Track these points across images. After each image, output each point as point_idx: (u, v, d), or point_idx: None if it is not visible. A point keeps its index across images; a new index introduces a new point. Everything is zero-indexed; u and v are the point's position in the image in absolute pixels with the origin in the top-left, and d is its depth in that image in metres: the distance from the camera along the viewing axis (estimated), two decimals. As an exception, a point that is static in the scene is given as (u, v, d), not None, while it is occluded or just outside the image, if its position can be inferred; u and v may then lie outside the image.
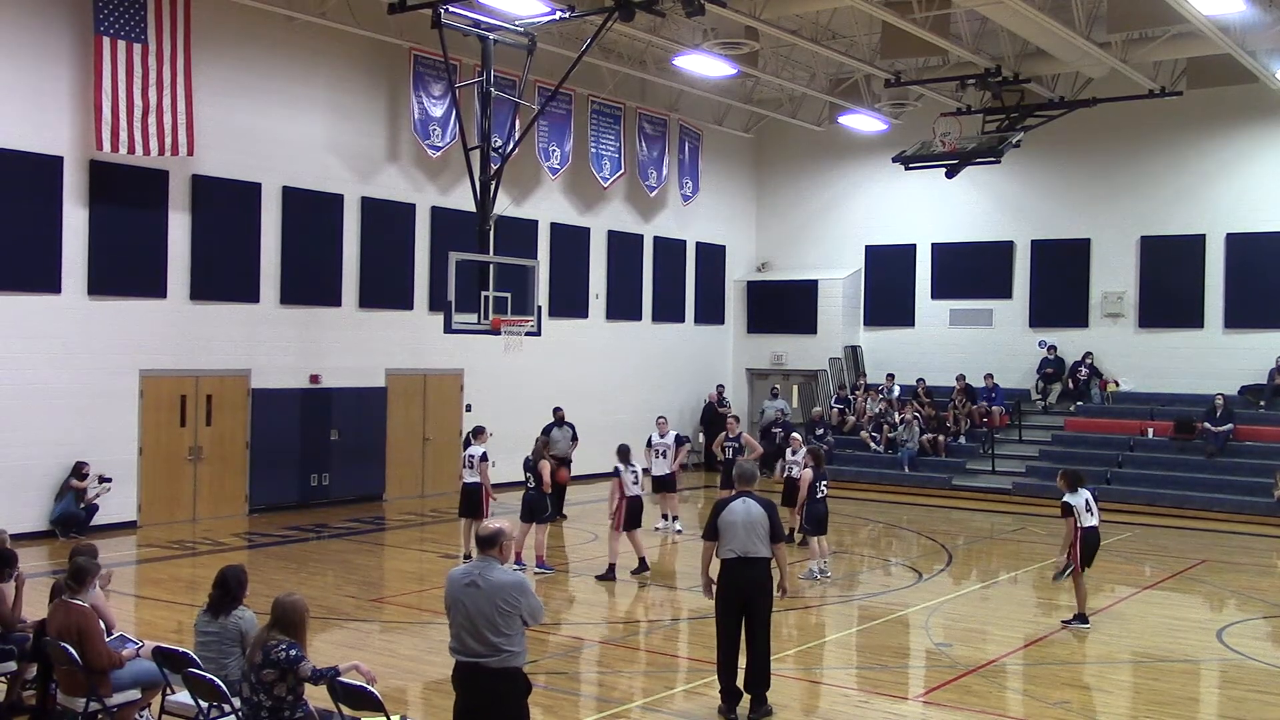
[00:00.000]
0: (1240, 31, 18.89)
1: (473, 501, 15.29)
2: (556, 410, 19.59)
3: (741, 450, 18.19)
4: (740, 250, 29.27)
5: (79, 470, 16.59)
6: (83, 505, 16.54)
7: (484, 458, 15.34)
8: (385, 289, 20.81)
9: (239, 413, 18.78)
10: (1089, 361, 24.80)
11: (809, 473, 14.73)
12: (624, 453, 14.83)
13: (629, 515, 14.53)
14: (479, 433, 15.79)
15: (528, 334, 18.87)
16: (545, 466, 15.00)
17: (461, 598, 6.67)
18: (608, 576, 14.36)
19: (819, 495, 14.67)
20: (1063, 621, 12.44)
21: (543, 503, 14.84)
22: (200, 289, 18.18)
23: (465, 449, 15.72)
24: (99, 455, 16.87)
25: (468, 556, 14.56)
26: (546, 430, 19.10)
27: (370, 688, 6.99)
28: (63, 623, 7.85)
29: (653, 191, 26.09)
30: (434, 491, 21.58)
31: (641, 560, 14.66)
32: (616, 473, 14.68)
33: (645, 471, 19.31)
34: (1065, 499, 12.32)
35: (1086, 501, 12.32)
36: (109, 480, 16.86)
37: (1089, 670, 11.02)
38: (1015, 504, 21.70)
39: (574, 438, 19.17)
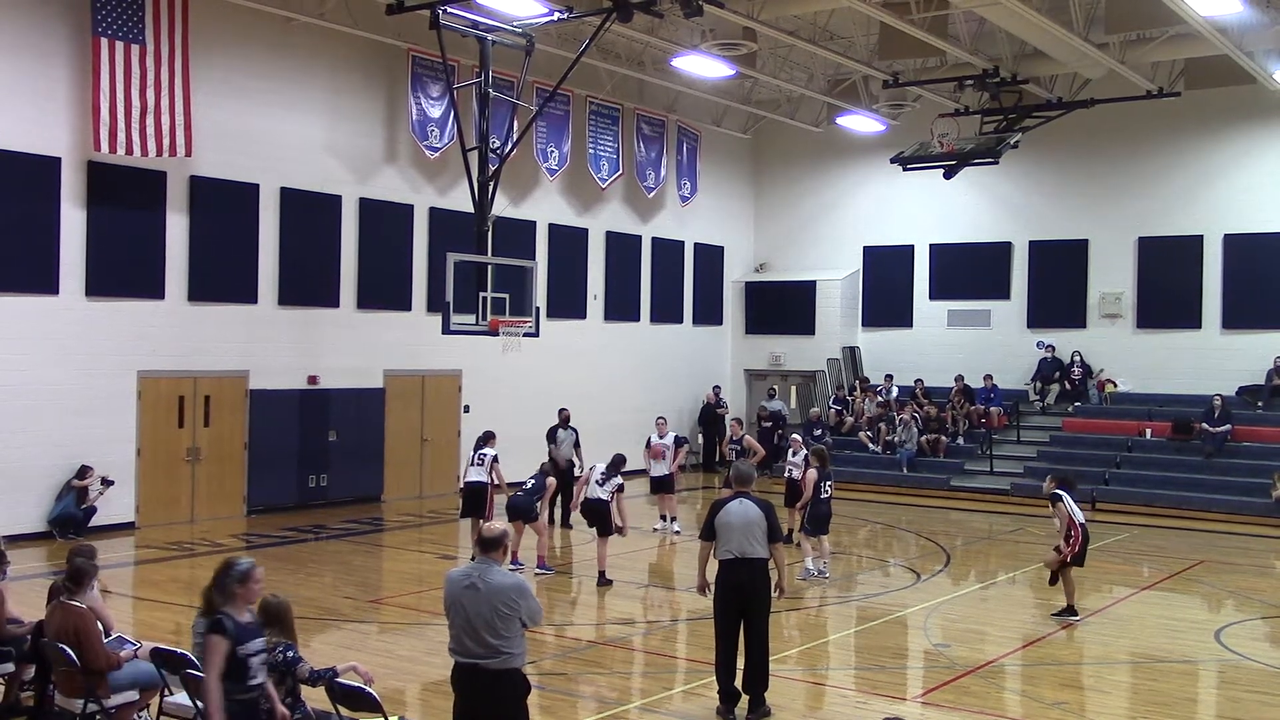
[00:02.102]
0: (1238, 32, 18.91)
1: (479, 501, 15.33)
2: (562, 411, 19.30)
3: (744, 452, 18.14)
4: (738, 251, 29.28)
5: (82, 472, 16.58)
6: (83, 506, 16.53)
7: (496, 459, 15.46)
8: (383, 290, 20.80)
9: (237, 414, 18.77)
10: (1079, 359, 24.84)
11: (813, 473, 14.71)
12: (614, 463, 14.89)
13: (587, 515, 14.65)
14: (492, 436, 15.91)
15: (526, 335, 18.88)
16: (552, 483, 15.15)
17: (461, 599, 6.66)
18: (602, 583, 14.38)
19: (823, 495, 14.65)
20: (1053, 614, 12.55)
21: (529, 503, 14.72)
22: (198, 290, 18.17)
23: (478, 449, 15.75)
24: (97, 456, 16.85)
25: (473, 557, 14.53)
26: (551, 432, 18.98)
27: (368, 688, 7.00)
28: (61, 624, 7.85)
29: (651, 192, 26.09)
30: (432, 492, 21.57)
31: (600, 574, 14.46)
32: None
33: (643, 473, 19.43)
34: (1055, 491, 12.64)
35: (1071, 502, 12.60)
36: (112, 482, 16.84)
37: (1087, 671, 11.02)
38: (1013, 505, 21.67)
39: (576, 442, 18.92)
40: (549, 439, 18.91)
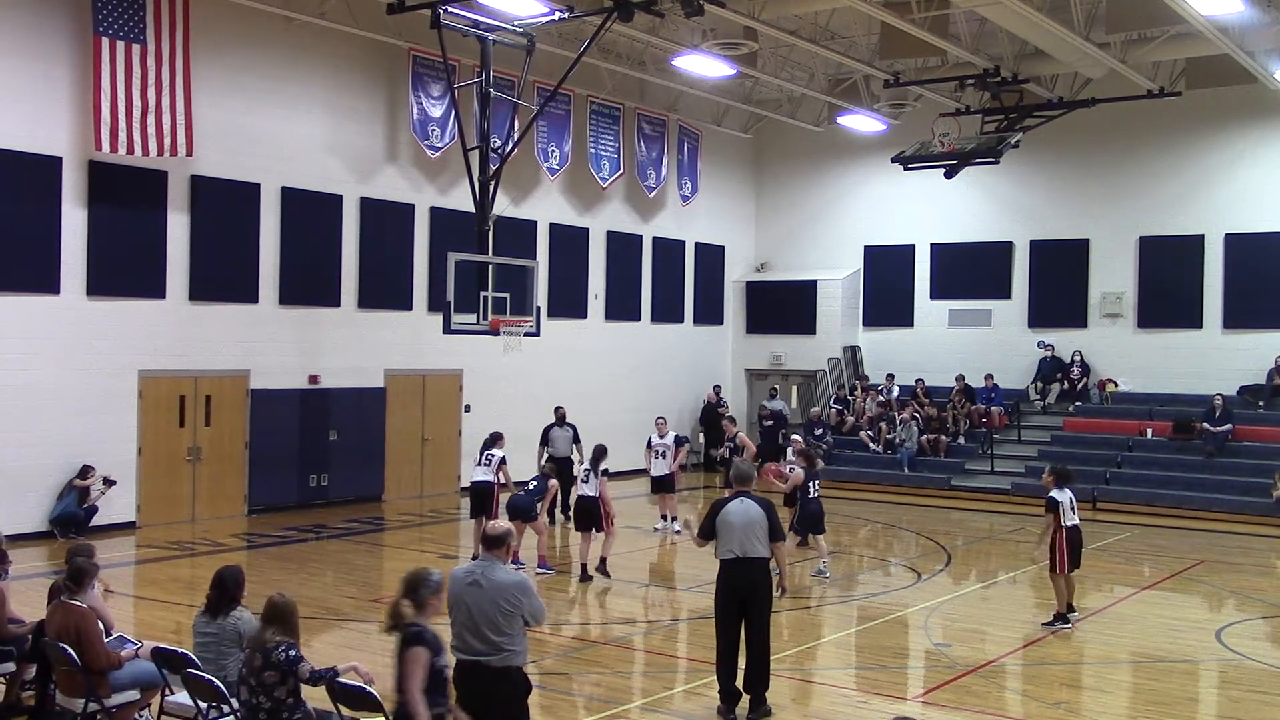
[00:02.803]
0: (1239, 32, 18.90)
1: (487, 501, 15.41)
2: (558, 410, 19.47)
3: (738, 451, 18.23)
4: (739, 250, 29.28)
5: (85, 472, 16.59)
6: (84, 506, 16.53)
7: (503, 461, 15.54)
8: (384, 289, 20.80)
9: (238, 413, 18.78)
10: (1079, 359, 24.85)
11: (800, 473, 14.81)
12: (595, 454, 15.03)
13: (578, 515, 14.76)
14: (500, 437, 16.00)
15: (527, 334, 18.89)
16: (554, 485, 15.19)
17: (464, 596, 6.69)
18: (581, 579, 14.44)
19: (811, 495, 14.70)
20: (1043, 624, 12.30)
21: (529, 503, 14.73)
22: (199, 289, 18.18)
23: (486, 449, 15.83)
24: (98, 456, 16.85)
25: (475, 555, 14.58)
26: (545, 431, 19.13)
27: (369, 688, 6.99)
28: (61, 623, 7.85)
29: (652, 192, 26.09)
30: (433, 492, 21.58)
31: (583, 567, 14.54)
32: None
33: (644, 472, 19.45)
34: (1051, 494, 12.33)
35: (1070, 501, 12.34)
36: (114, 482, 16.85)
37: (1088, 670, 11.02)
38: (1014, 504, 21.67)
39: (575, 439, 19.11)
40: (542, 439, 19.05)
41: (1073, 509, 12.37)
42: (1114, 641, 11.92)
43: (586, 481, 14.69)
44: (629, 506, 18.52)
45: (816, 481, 14.83)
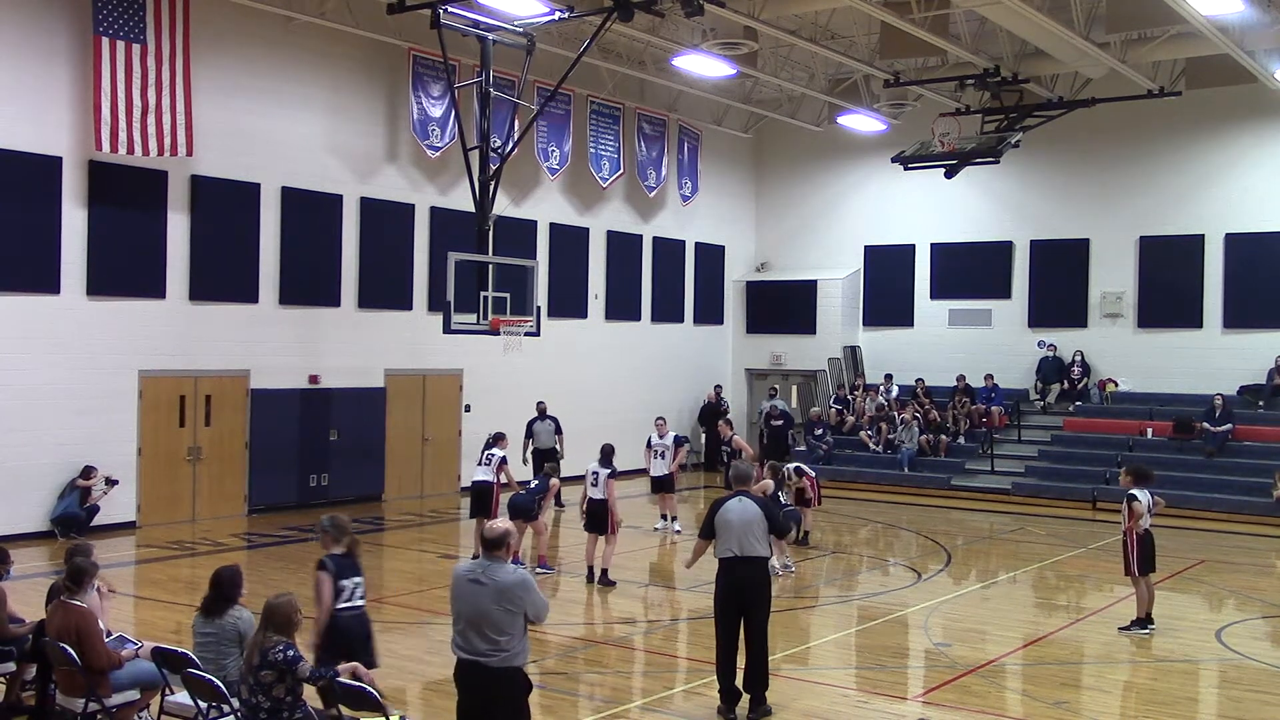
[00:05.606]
0: (1239, 31, 18.90)
1: (486, 501, 15.40)
2: (539, 404, 19.83)
3: (736, 454, 18.38)
4: (739, 250, 29.28)
5: (87, 472, 16.59)
6: (85, 506, 16.53)
7: (504, 461, 15.51)
8: (384, 289, 20.81)
9: (238, 413, 18.78)
10: (1080, 359, 24.86)
11: (769, 483, 15.08)
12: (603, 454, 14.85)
13: (588, 517, 14.53)
14: (502, 437, 16.00)
15: (527, 334, 18.92)
16: (555, 484, 15.15)
17: (466, 595, 6.69)
18: (589, 580, 14.39)
19: (783, 504, 15.72)
20: (1120, 628, 12.25)
21: (529, 503, 14.73)
22: (199, 289, 18.18)
23: (487, 449, 15.82)
24: (98, 456, 16.85)
25: (475, 555, 14.57)
26: (530, 424, 19.41)
27: (369, 688, 6.99)
28: (62, 623, 7.85)
29: (652, 192, 26.09)
30: (433, 492, 21.58)
31: (589, 568, 14.47)
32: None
33: (643, 472, 19.48)
34: (1132, 492, 12.24)
35: (1149, 502, 12.22)
36: (116, 482, 16.85)
37: (1088, 670, 11.03)
38: (1014, 504, 21.71)
39: (557, 430, 19.50)
40: (526, 432, 19.63)
41: (1149, 510, 12.17)
42: (1114, 641, 11.92)
43: (595, 485, 14.45)
44: (629, 506, 18.48)
45: (780, 493, 15.68)
